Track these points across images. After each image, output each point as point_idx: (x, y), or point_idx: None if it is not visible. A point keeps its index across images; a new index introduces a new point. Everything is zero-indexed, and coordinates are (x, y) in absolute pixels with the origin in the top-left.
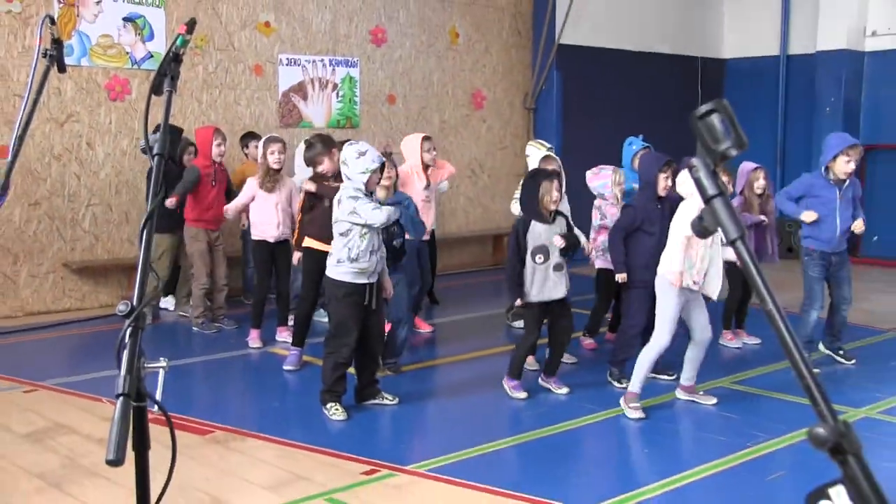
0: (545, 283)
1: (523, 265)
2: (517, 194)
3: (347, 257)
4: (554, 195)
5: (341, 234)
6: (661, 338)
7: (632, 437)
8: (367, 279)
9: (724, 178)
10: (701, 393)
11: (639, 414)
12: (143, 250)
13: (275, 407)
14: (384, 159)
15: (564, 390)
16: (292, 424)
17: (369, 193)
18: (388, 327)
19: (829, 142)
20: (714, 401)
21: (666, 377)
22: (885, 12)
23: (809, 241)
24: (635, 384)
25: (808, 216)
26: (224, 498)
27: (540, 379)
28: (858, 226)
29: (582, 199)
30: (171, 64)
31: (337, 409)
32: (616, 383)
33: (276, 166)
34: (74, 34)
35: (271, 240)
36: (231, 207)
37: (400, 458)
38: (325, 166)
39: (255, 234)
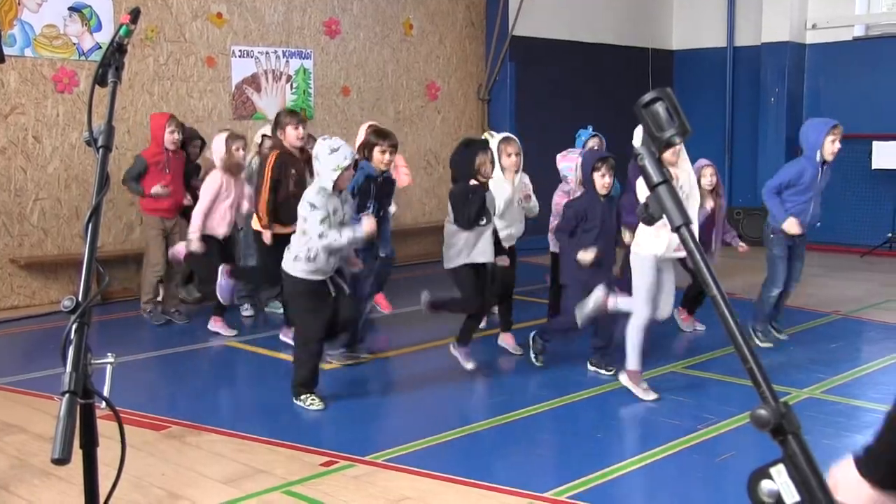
0: (475, 246)
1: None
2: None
3: (305, 256)
4: (488, 167)
5: (302, 233)
6: (641, 312)
7: (586, 422)
8: (323, 276)
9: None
10: (644, 386)
11: (652, 395)
12: (87, 244)
13: (231, 401)
14: (357, 156)
15: (471, 366)
16: (249, 418)
17: (338, 192)
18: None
19: (813, 127)
20: (654, 396)
21: (605, 372)
22: (823, 6)
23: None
24: (633, 361)
25: (790, 226)
26: (181, 493)
27: (451, 347)
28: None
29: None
30: (115, 54)
31: (314, 400)
32: (603, 371)
33: (244, 163)
34: (16, 23)
35: (220, 237)
36: (198, 214)
37: (358, 448)
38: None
39: (205, 229)
